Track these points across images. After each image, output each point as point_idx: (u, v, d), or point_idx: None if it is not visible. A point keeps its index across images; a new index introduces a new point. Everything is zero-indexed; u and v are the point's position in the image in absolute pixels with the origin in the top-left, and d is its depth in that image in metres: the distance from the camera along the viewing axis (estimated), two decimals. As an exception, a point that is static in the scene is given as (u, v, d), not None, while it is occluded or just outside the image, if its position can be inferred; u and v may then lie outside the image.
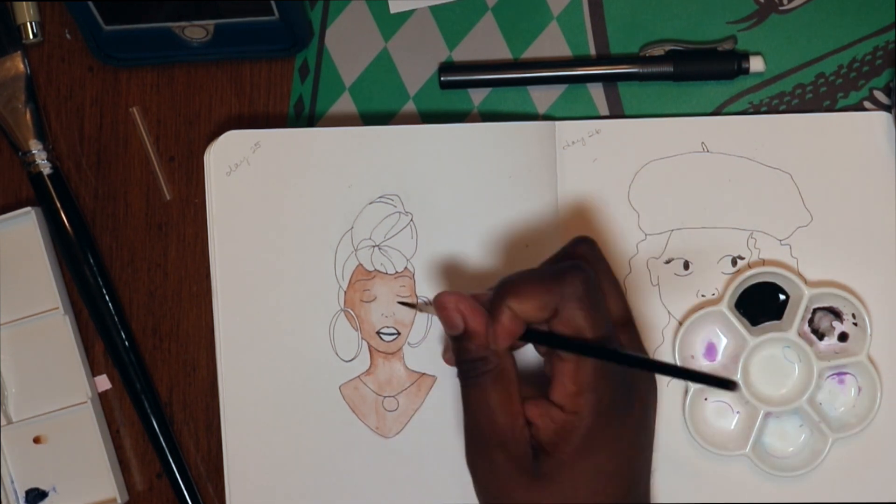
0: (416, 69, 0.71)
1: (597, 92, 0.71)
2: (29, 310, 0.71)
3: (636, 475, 0.57)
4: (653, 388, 0.59)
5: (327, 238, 0.68)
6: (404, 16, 0.71)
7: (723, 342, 0.68)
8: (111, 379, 0.72)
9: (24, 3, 0.72)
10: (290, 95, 0.72)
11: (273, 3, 0.67)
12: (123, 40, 0.70)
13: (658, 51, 0.70)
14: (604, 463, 0.55)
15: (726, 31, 0.70)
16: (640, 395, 0.57)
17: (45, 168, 0.70)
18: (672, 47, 0.69)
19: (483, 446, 0.57)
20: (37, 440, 0.71)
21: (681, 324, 0.68)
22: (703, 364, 0.68)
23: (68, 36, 0.73)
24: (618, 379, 0.56)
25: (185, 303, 0.72)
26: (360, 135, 0.68)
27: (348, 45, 0.72)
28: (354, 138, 0.68)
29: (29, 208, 0.70)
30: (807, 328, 0.68)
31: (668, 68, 0.69)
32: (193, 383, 0.72)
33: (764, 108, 0.70)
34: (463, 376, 0.58)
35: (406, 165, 0.68)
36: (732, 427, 0.68)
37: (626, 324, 0.60)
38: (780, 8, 0.70)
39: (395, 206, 0.68)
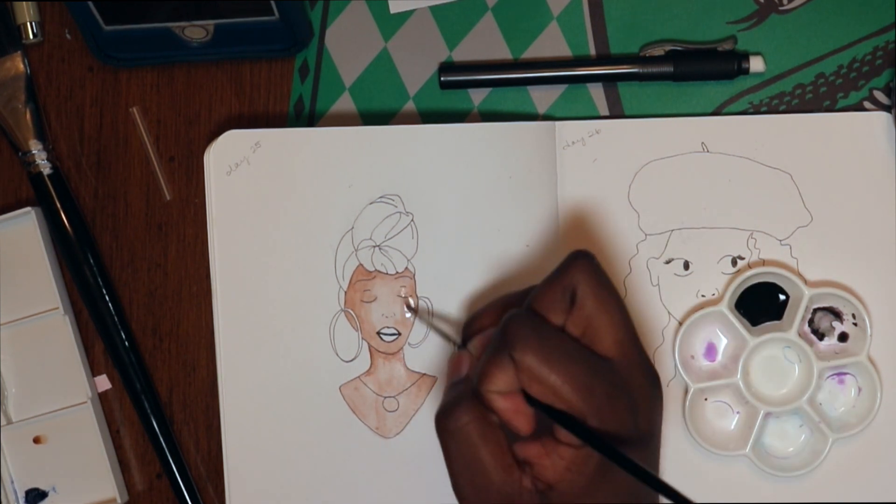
0: (416, 69, 0.71)
1: (597, 92, 0.71)
2: (29, 310, 0.71)
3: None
4: (657, 395, 0.57)
5: (327, 238, 0.68)
6: (404, 16, 0.71)
7: (723, 342, 0.68)
8: (111, 379, 0.72)
9: (24, 3, 0.72)
10: (290, 95, 0.72)
11: (273, 3, 0.67)
12: (123, 40, 0.70)
13: (658, 51, 0.70)
14: (618, 482, 0.53)
15: (726, 31, 0.70)
16: (644, 405, 0.56)
17: (45, 168, 0.70)
18: (672, 47, 0.69)
19: None
20: (37, 440, 0.71)
21: (681, 324, 0.68)
22: (703, 364, 0.68)
23: (68, 36, 0.73)
24: (624, 399, 0.55)
25: (185, 303, 0.72)
26: (360, 135, 0.68)
27: (348, 45, 0.72)
28: (354, 138, 0.68)
29: (29, 208, 0.70)
30: (807, 328, 0.68)
31: (668, 68, 0.69)
32: (193, 383, 0.72)
33: (764, 108, 0.70)
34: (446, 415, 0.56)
35: (406, 165, 0.68)
36: (732, 427, 0.68)
37: (625, 353, 0.56)
38: (780, 8, 0.70)
39: (396, 207, 0.68)
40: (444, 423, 0.55)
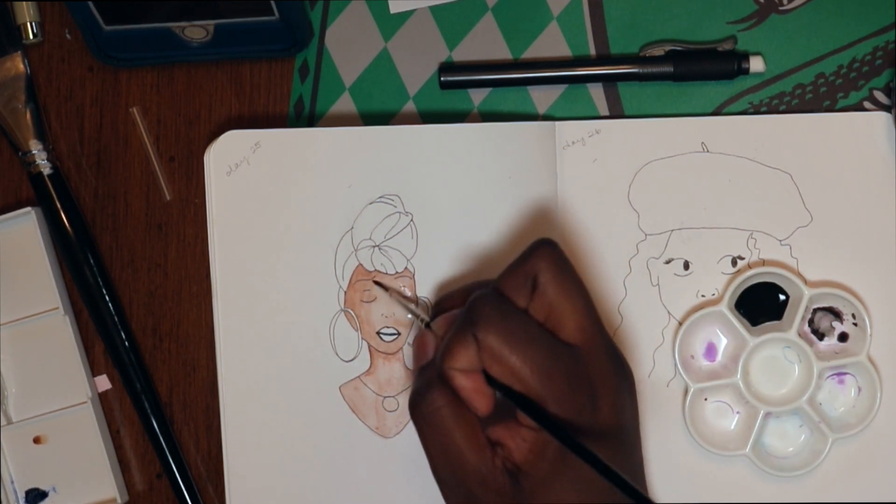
0: (416, 69, 0.71)
1: (597, 92, 0.71)
2: (29, 310, 0.71)
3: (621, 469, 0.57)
4: (623, 382, 0.57)
5: (327, 238, 0.68)
6: (404, 16, 0.71)
7: (723, 342, 0.68)
8: (111, 379, 0.72)
9: (24, 3, 0.72)
10: (290, 95, 0.72)
11: (273, 3, 0.67)
12: (123, 40, 0.70)
13: (658, 51, 0.70)
14: (582, 470, 0.54)
15: (726, 31, 0.70)
16: (607, 393, 0.56)
17: (45, 168, 0.70)
18: (672, 47, 0.69)
19: (462, 487, 0.56)
20: (37, 440, 0.71)
21: (681, 324, 0.68)
22: (703, 364, 0.68)
23: (68, 36, 0.73)
24: (584, 386, 0.55)
25: (185, 303, 0.72)
26: (360, 135, 0.68)
27: (348, 45, 0.72)
28: (354, 138, 0.68)
29: (29, 208, 0.70)
30: (807, 328, 0.68)
31: (668, 68, 0.69)
32: (193, 383, 0.72)
33: (764, 108, 0.70)
34: (419, 402, 0.56)
35: (406, 165, 0.68)
36: (732, 427, 0.68)
37: (588, 339, 0.57)
38: (780, 8, 0.70)
39: (396, 207, 0.68)
40: (418, 407, 0.56)
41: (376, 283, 0.67)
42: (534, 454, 0.55)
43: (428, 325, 0.61)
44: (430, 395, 0.56)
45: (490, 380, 0.56)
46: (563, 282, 0.57)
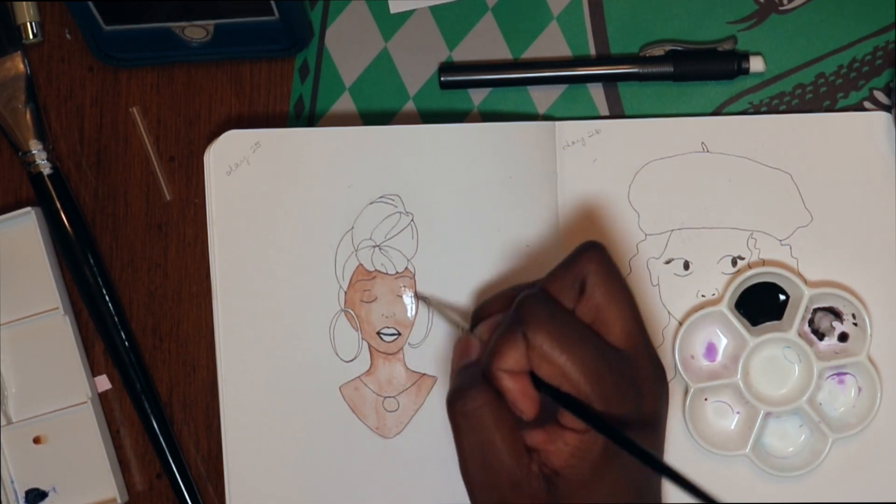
0: (416, 69, 0.71)
1: (597, 92, 0.71)
2: (29, 310, 0.71)
3: (648, 475, 0.57)
4: (663, 388, 0.57)
5: (327, 238, 0.68)
6: (404, 16, 0.71)
7: (723, 342, 0.68)
8: (111, 379, 0.72)
9: (24, 3, 0.72)
10: (290, 95, 0.72)
11: (273, 3, 0.67)
12: (123, 40, 0.70)
13: (658, 51, 0.70)
14: (621, 472, 0.54)
15: (726, 31, 0.70)
16: (650, 397, 0.56)
17: (45, 168, 0.70)
18: (672, 47, 0.69)
19: (497, 492, 0.55)
20: (37, 440, 0.71)
21: (681, 324, 0.68)
22: (703, 364, 0.68)
23: (68, 36, 0.73)
24: (631, 389, 0.55)
25: (185, 303, 0.72)
26: (360, 135, 0.68)
27: (348, 45, 0.72)
28: (354, 138, 0.68)
29: (29, 208, 0.70)
30: (807, 328, 0.68)
31: (668, 68, 0.69)
32: (193, 383, 0.72)
33: (764, 108, 0.70)
34: (457, 401, 0.55)
35: (406, 165, 0.68)
36: (732, 427, 0.68)
37: (634, 345, 0.56)
38: (780, 8, 0.70)
39: (396, 207, 0.68)
40: (458, 404, 0.55)
41: (418, 296, 0.67)
42: (576, 458, 0.54)
43: (471, 332, 0.60)
44: (472, 393, 0.55)
45: (537, 382, 0.55)
46: (612, 286, 0.56)
